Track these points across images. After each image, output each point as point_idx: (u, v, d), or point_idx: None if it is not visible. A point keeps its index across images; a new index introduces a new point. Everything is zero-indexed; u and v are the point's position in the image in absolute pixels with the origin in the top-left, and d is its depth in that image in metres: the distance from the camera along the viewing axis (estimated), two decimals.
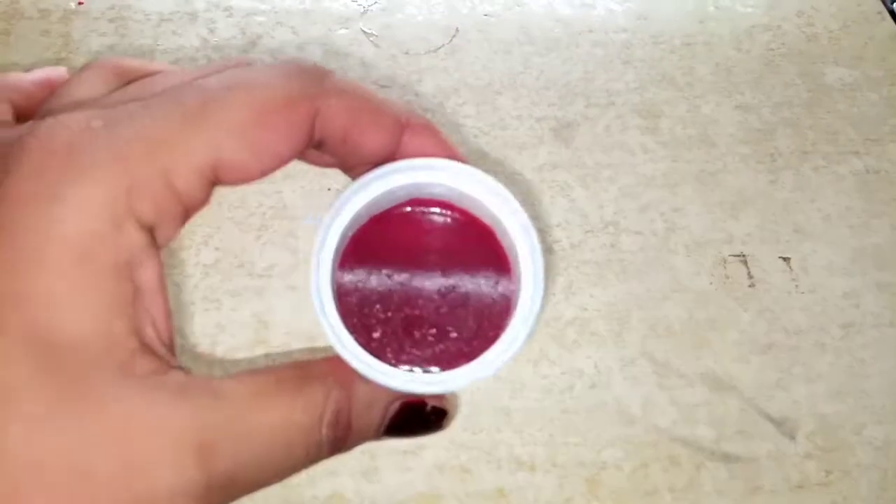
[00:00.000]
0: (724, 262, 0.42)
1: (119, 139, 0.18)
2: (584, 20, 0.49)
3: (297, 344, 0.38)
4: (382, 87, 0.46)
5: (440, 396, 0.23)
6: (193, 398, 0.18)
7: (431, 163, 0.22)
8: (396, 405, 0.22)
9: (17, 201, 0.17)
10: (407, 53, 0.47)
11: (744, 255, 0.42)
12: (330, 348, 0.21)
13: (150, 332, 0.18)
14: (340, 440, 0.21)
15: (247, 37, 0.46)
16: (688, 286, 0.41)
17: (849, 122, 0.47)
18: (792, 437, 0.38)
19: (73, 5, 0.47)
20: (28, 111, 0.23)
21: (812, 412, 0.39)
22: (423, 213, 0.24)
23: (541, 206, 0.43)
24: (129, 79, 0.22)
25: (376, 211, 0.23)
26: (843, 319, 0.41)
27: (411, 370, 0.22)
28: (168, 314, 0.19)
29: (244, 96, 0.19)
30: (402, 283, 0.23)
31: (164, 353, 0.19)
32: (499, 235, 0.24)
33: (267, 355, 0.38)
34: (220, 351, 0.38)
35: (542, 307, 0.22)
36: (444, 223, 0.24)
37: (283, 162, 0.20)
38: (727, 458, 0.37)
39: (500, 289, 0.23)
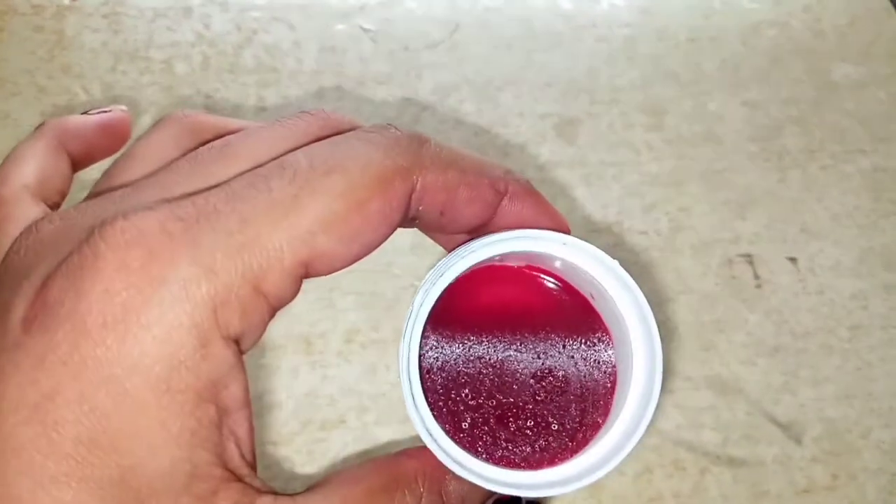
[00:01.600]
0: (731, 262, 0.41)
1: (201, 246, 0.16)
2: (587, 15, 0.48)
3: (291, 346, 0.37)
4: (381, 83, 0.45)
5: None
6: None
7: (528, 234, 0.20)
8: (490, 502, 0.21)
9: (95, 328, 0.16)
10: (406, 49, 0.46)
11: (750, 256, 0.42)
12: (417, 438, 0.19)
13: (234, 455, 0.17)
14: None
15: (242, 32, 0.46)
16: (693, 287, 0.41)
17: (856, 120, 0.46)
18: (798, 441, 0.37)
19: (66, 1, 0.46)
20: (87, 160, 0.21)
21: (819, 416, 0.38)
22: (519, 273, 0.22)
23: None
24: (204, 138, 0.20)
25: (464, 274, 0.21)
26: (850, 321, 0.40)
27: (508, 469, 0.20)
28: (251, 430, 0.18)
29: (339, 184, 0.17)
30: (493, 364, 0.21)
31: (249, 476, 0.17)
32: (598, 306, 0.21)
33: (262, 357, 0.37)
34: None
35: (659, 399, 0.19)
36: (540, 291, 0.22)
37: (378, 245, 0.19)
38: (733, 463, 0.37)
39: (603, 368, 0.21)
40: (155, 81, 0.44)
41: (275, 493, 0.18)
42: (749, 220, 0.43)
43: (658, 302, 0.40)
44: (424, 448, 0.19)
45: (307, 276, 0.18)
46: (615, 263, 0.20)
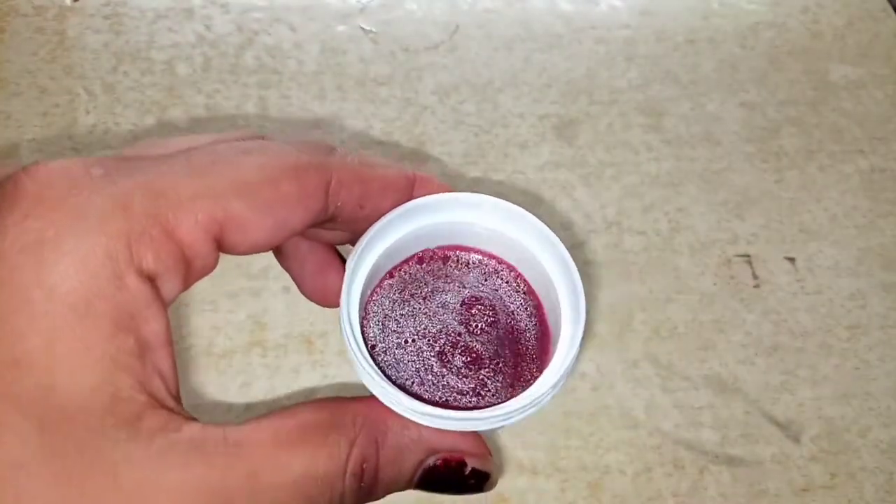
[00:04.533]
0: (729, 262, 0.42)
1: (120, 188, 0.17)
2: (586, 16, 0.49)
3: (293, 345, 0.38)
4: (381, 84, 0.45)
5: (483, 456, 0.21)
6: (208, 455, 0.17)
7: (442, 198, 0.22)
8: (432, 461, 0.20)
9: (12, 252, 0.16)
10: (406, 50, 0.46)
11: (749, 256, 0.42)
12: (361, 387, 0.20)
13: (159, 387, 0.18)
14: (365, 491, 0.19)
15: (243, 34, 0.46)
16: (692, 287, 0.41)
17: (854, 121, 0.46)
18: (797, 441, 0.38)
19: (68, 2, 0.46)
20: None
21: (817, 415, 0.38)
22: (446, 254, 0.24)
23: (542, 206, 0.42)
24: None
25: (399, 251, 0.23)
26: (848, 321, 0.40)
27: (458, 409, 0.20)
28: (174, 367, 0.18)
29: (255, 159, 0.19)
30: (430, 312, 0.23)
31: (174, 406, 0.18)
32: (521, 268, 0.23)
33: (263, 356, 0.37)
34: (216, 352, 0.37)
35: (586, 329, 0.21)
36: (468, 262, 0.24)
37: (293, 230, 0.19)
38: (731, 462, 0.37)
39: (532, 316, 0.23)
40: (156, 82, 0.44)
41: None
42: (747, 221, 0.43)
43: (657, 302, 0.40)
44: (372, 397, 0.20)
45: (223, 243, 0.19)
46: (531, 216, 0.22)
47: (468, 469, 0.21)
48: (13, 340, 0.16)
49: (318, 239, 0.23)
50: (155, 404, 0.17)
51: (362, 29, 0.47)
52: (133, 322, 0.17)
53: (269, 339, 0.38)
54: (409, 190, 0.22)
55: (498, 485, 0.36)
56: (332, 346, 0.38)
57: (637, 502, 0.36)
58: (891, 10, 0.51)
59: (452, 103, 0.45)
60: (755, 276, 0.41)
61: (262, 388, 0.37)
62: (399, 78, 0.45)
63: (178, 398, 0.18)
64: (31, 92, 0.43)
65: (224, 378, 0.37)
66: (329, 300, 0.24)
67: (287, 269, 0.24)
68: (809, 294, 0.41)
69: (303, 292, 0.24)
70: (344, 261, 0.24)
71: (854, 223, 0.43)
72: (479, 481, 0.21)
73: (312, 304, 0.39)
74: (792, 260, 0.42)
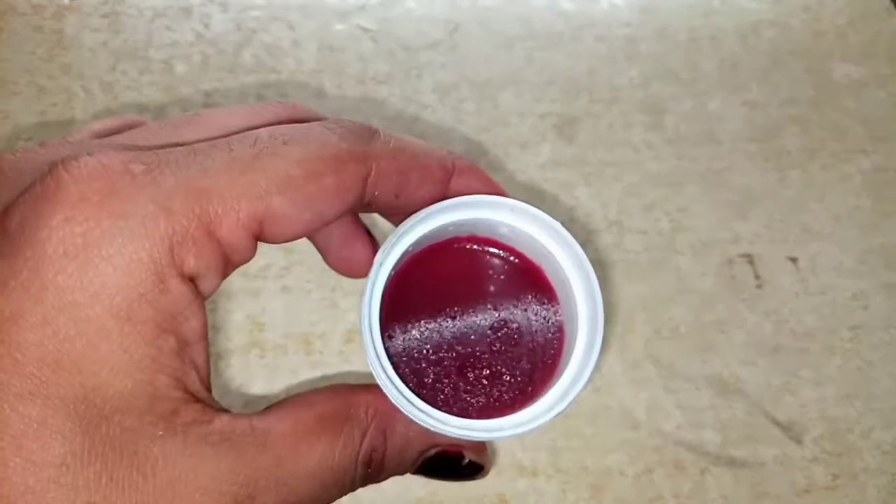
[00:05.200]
0: (731, 262, 0.41)
1: (161, 188, 0.17)
2: (586, 14, 0.48)
3: (292, 346, 0.37)
4: (381, 82, 0.45)
5: (480, 450, 0.22)
6: (237, 447, 0.18)
7: (478, 199, 0.22)
8: (432, 452, 0.22)
9: (56, 255, 0.16)
10: (406, 48, 0.46)
11: (750, 256, 0.42)
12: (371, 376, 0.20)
13: (194, 380, 0.18)
14: (372, 476, 0.21)
15: (242, 32, 0.46)
16: (693, 287, 0.40)
17: (856, 120, 0.46)
18: (799, 442, 0.37)
19: (66, 1, 0.46)
20: None
21: (820, 416, 0.38)
22: (469, 250, 0.23)
23: (543, 205, 0.42)
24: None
25: (421, 248, 0.23)
26: (851, 321, 0.40)
27: (465, 418, 0.21)
28: (208, 358, 0.19)
29: (297, 152, 0.19)
30: (452, 323, 0.22)
31: (206, 397, 0.19)
32: (548, 272, 0.23)
33: (262, 357, 0.37)
34: (215, 353, 0.37)
35: (601, 350, 0.21)
36: (491, 260, 0.23)
37: (329, 221, 0.20)
38: (733, 463, 0.37)
39: (552, 326, 0.22)
40: (154, 81, 0.44)
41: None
42: (749, 220, 0.43)
43: (658, 302, 0.40)
44: (379, 389, 0.20)
45: (262, 237, 0.19)
46: (558, 224, 0.22)
47: (465, 461, 0.22)
48: (57, 343, 0.16)
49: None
50: (189, 398, 0.18)
51: (361, 27, 0.47)
52: (174, 322, 0.18)
53: (267, 339, 0.37)
54: (447, 180, 0.22)
55: (499, 486, 0.36)
56: (332, 347, 0.38)
57: (638, 503, 0.36)
58: (893, 8, 0.51)
59: (452, 102, 0.45)
60: (757, 277, 0.41)
61: (261, 389, 0.36)
62: (398, 76, 0.45)
63: (209, 388, 0.19)
64: (28, 91, 0.43)
65: (223, 379, 0.36)
66: (354, 271, 0.24)
67: (312, 241, 0.24)
68: (812, 294, 0.41)
69: (328, 263, 0.24)
70: (369, 232, 0.24)
71: (857, 223, 0.43)
72: (474, 471, 0.22)
73: (312, 304, 0.39)
74: (794, 260, 0.42)
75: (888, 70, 0.48)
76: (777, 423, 0.38)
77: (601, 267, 0.40)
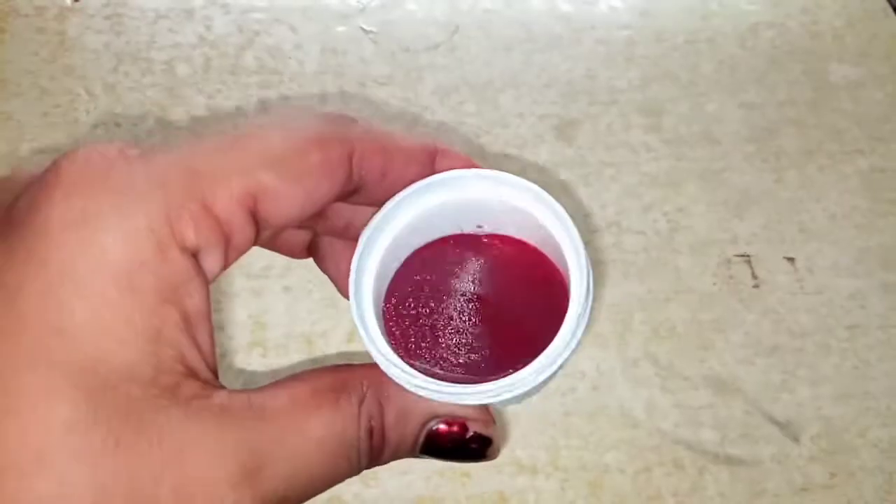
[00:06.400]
0: (729, 262, 0.42)
1: (156, 166, 0.18)
2: (586, 17, 0.49)
3: (294, 345, 0.38)
4: (381, 84, 0.45)
5: (485, 421, 0.22)
6: (238, 420, 0.18)
7: (463, 173, 0.22)
8: (434, 424, 0.21)
9: (56, 229, 0.17)
10: (406, 51, 0.46)
11: (748, 256, 0.42)
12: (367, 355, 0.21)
13: (196, 358, 0.18)
14: (376, 451, 0.21)
15: (244, 34, 0.46)
16: (691, 287, 0.41)
17: (854, 121, 0.46)
18: (796, 440, 0.38)
19: (68, 2, 0.46)
20: None
21: (817, 414, 0.38)
22: (463, 234, 0.24)
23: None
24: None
25: (419, 226, 0.23)
26: (848, 321, 0.41)
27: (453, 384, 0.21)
28: (213, 340, 0.19)
29: (280, 131, 0.19)
30: (442, 293, 0.23)
31: (208, 377, 0.19)
32: (542, 248, 0.23)
33: (264, 356, 0.37)
34: (217, 352, 0.37)
35: (590, 314, 0.21)
36: (488, 246, 0.24)
37: (322, 201, 0.20)
38: (731, 462, 0.37)
39: (547, 295, 0.23)
40: (156, 83, 0.44)
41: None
42: (747, 221, 0.43)
43: (656, 301, 0.40)
44: (372, 364, 0.21)
45: (260, 215, 0.19)
46: (541, 190, 0.22)
47: (470, 433, 0.21)
48: (59, 312, 0.17)
49: (354, 234, 0.23)
50: (192, 374, 0.18)
51: (362, 29, 0.47)
52: (176, 295, 0.18)
53: (269, 338, 0.38)
54: (431, 161, 0.22)
55: (498, 483, 0.36)
56: (333, 346, 0.38)
57: (636, 502, 0.36)
58: (890, 10, 0.51)
59: (452, 104, 0.45)
60: (754, 276, 0.41)
61: None
62: (399, 78, 0.45)
63: (214, 371, 0.19)
64: (31, 92, 0.43)
65: (225, 378, 0.36)
66: None
67: (324, 271, 0.25)
68: (809, 294, 0.41)
69: (340, 292, 0.25)
70: None
71: (853, 223, 0.43)
72: (482, 447, 0.22)
73: (313, 303, 0.39)
74: (791, 260, 0.42)
75: (885, 71, 0.48)
76: (775, 422, 0.38)
77: (600, 267, 0.41)
